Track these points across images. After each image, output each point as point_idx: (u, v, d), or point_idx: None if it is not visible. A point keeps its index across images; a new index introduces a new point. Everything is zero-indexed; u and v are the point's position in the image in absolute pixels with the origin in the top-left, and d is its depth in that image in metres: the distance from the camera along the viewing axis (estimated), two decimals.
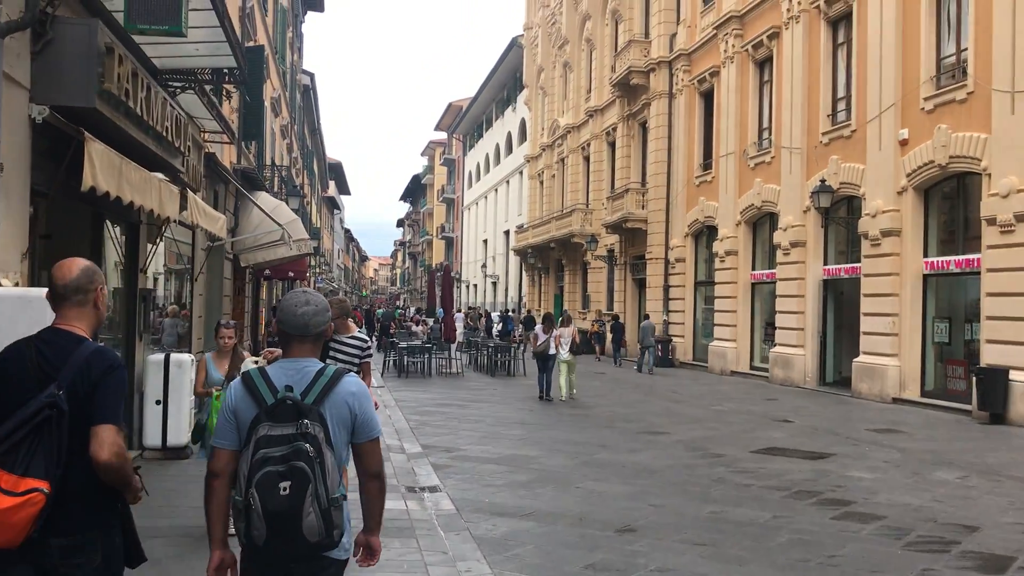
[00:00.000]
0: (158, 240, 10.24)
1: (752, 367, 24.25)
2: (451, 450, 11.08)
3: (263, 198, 18.69)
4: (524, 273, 48.45)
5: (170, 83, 9.99)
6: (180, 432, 9.78)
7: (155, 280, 13.03)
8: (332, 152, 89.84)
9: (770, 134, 23.62)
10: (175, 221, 9.24)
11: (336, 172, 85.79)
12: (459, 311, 45.81)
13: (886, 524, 7.59)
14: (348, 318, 7.22)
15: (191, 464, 9.62)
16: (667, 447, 11.66)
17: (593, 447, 11.50)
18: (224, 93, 12.41)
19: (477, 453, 10.89)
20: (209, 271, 15.99)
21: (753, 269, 24.53)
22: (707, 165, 27.11)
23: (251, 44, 19.42)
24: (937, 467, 10.63)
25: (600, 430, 13.19)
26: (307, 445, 2.79)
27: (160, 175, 9.95)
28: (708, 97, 27.37)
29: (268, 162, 24.93)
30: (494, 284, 58.60)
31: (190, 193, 9.72)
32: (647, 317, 28.26)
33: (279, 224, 15.62)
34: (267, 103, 24.48)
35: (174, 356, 9.96)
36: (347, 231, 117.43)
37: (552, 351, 17.38)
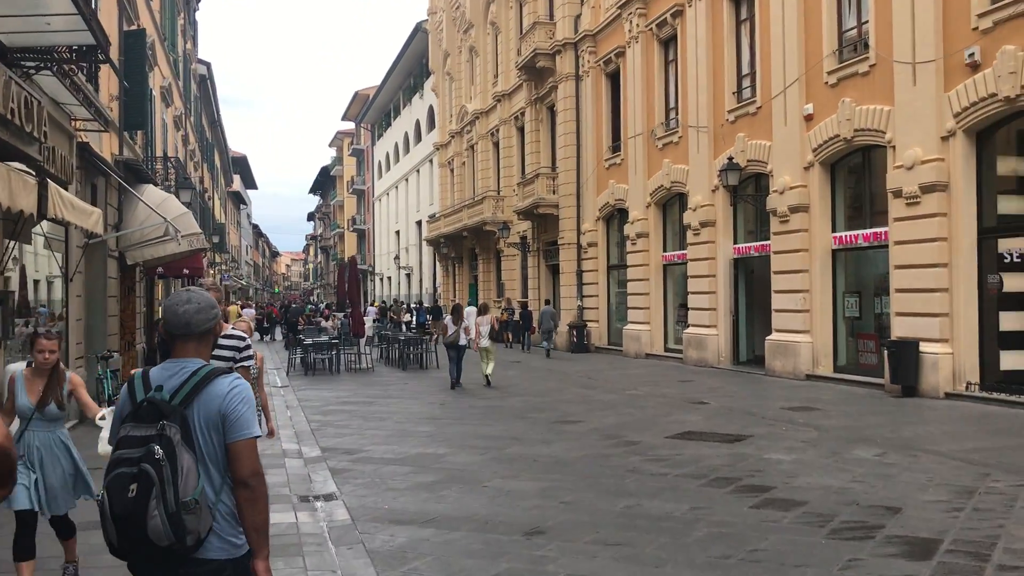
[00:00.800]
0: (11, 238, 9.22)
1: (667, 349, 24.10)
2: (353, 452, 10.39)
3: (149, 191, 17.56)
4: (437, 263, 47.69)
5: (22, 63, 8.99)
6: None
7: (35, 283, 11.97)
8: (236, 146, 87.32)
9: (677, 114, 23.42)
10: (33, 215, 8.28)
11: (241, 166, 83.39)
12: (372, 305, 44.91)
13: (808, 511, 7.23)
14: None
15: None
16: (580, 437, 11.19)
17: (504, 440, 10.95)
18: (86, 73, 11.34)
19: (381, 454, 10.22)
20: (90, 271, 14.91)
21: (664, 251, 24.36)
22: (616, 147, 26.83)
23: (132, 28, 18.21)
24: (854, 445, 10.40)
25: (512, 422, 12.66)
26: (157, 447, 2.71)
27: (17, 165, 9.01)
28: (615, 78, 27.07)
29: (160, 154, 23.63)
30: (408, 276, 57.64)
31: (52, 185, 8.77)
32: (547, 303, 29.17)
33: (164, 218, 14.59)
34: (156, 91, 23.19)
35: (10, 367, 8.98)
36: (255, 226, 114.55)
37: (462, 341, 17.72)
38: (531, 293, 32.48)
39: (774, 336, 18.84)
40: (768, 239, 19.26)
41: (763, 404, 14.40)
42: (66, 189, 11.71)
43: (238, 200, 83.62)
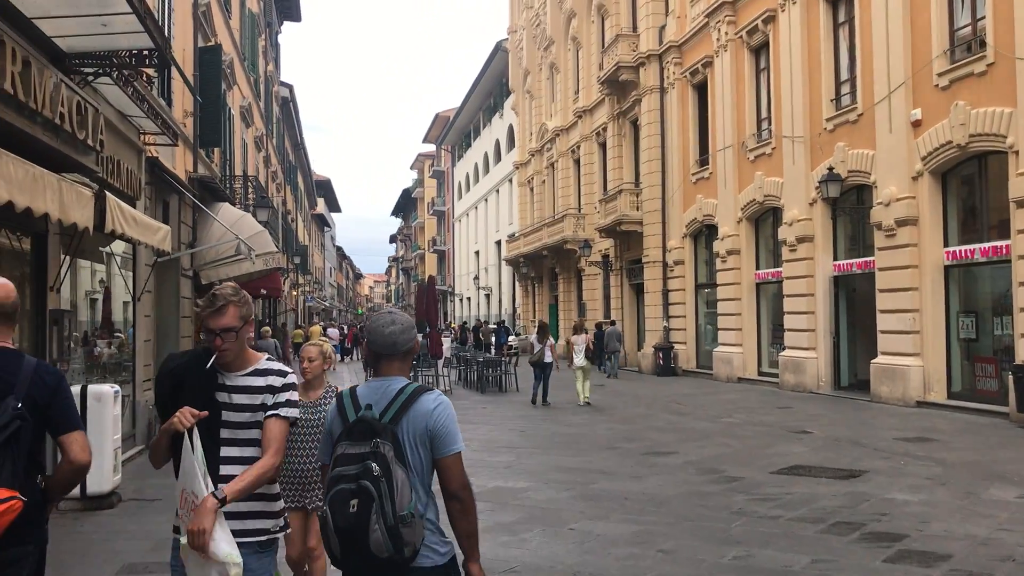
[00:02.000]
0: (66, 254, 8.72)
1: (760, 373, 22.76)
2: None
3: (225, 210, 17.22)
4: (517, 283, 46.97)
5: (80, 68, 8.51)
6: (103, 478, 8.27)
7: (91, 301, 11.57)
8: (320, 169, 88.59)
9: (770, 124, 22.20)
10: (89, 230, 7.73)
11: (325, 189, 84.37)
12: (451, 326, 44.37)
13: (955, 568, 6.10)
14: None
15: (116, 516, 8.15)
16: (675, 471, 10.16)
17: (590, 474, 9.99)
18: (158, 87, 10.90)
19: None
20: (160, 290, 14.53)
21: (757, 268, 23.07)
22: (704, 161, 25.69)
23: (208, 44, 17.98)
24: (989, 483, 9.13)
25: (598, 452, 11.68)
26: (374, 464, 2.85)
27: (74, 176, 8.52)
28: (702, 89, 25.98)
29: (239, 173, 23.48)
30: (487, 296, 57.11)
31: (111, 198, 8.22)
32: (612, 323, 28.46)
33: (236, 236, 14.13)
34: (235, 110, 23.07)
35: (92, 388, 8.42)
36: (339, 249, 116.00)
37: (547, 359, 18.26)
38: (613, 313, 31.42)
39: (880, 359, 17.44)
40: (872, 255, 17.91)
41: (873, 434, 13.11)
42: (134, 205, 11.31)
43: (322, 223, 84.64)
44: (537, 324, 20.35)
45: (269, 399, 3.29)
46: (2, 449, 2.87)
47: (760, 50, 22.81)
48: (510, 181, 49.48)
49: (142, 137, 12.23)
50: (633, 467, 10.42)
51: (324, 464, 3.12)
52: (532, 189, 43.82)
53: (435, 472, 3.08)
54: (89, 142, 7.90)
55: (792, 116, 20.54)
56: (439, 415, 3.05)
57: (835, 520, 7.58)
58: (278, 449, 3.25)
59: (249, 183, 22.91)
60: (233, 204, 19.46)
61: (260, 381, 3.32)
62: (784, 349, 21.10)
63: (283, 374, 3.36)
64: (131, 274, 12.20)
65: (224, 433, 3.25)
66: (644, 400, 19.18)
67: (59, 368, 3.36)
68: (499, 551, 6.79)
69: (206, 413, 3.14)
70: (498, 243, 52.74)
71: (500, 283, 53.10)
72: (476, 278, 58.69)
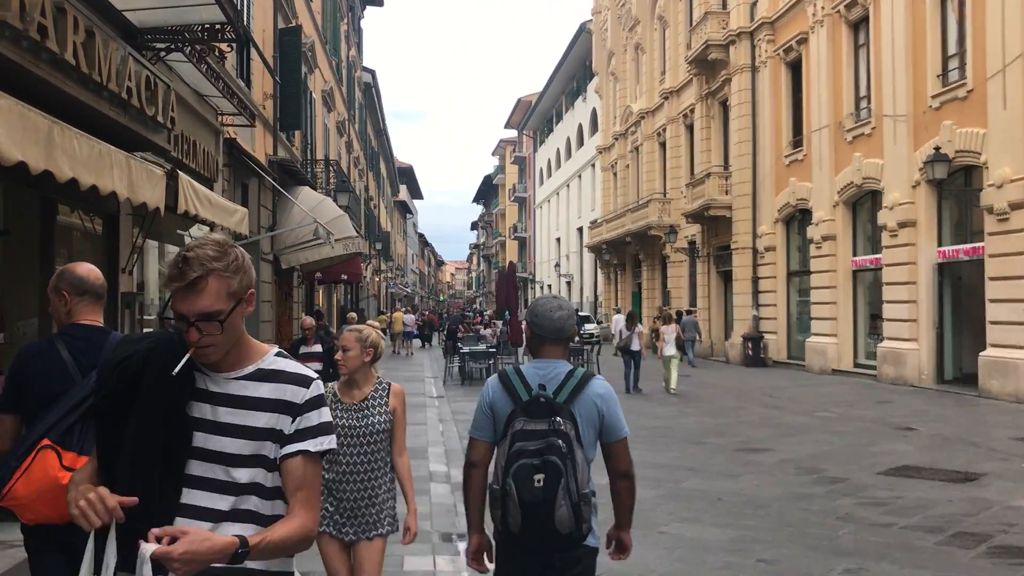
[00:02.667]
0: (138, 235, 8.49)
1: (856, 364, 21.66)
2: None
3: (304, 193, 17.06)
4: (599, 271, 46.23)
5: (151, 44, 8.25)
6: None
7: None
8: (403, 156, 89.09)
9: (869, 102, 21.00)
10: (160, 210, 7.45)
11: (407, 176, 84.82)
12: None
13: None
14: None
15: None
16: (772, 470, 9.46)
17: (681, 471, 9.36)
18: (235, 66, 10.61)
19: None
20: None
21: (854, 255, 21.93)
22: (797, 142, 24.57)
23: (289, 26, 17.79)
24: None
25: (687, 447, 11.03)
26: (560, 441, 2.94)
27: (146, 155, 8.28)
28: (796, 67, 24.83)
29: (320, 157, 23.40)
30: (568, 283, 56.48)
31: (184, 177, 7.96)
32: (689, 312, 27.80)
33: (314, 219, 13.88)
34: (316, 94, 22.96)
35: None
36: (421, 236, 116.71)
37: (635, 346, 18.41)
38: (700, 301, 30.50)
39: (990, 352, 16.28)
40: (981, 241, 16.73)
41: (986, 433, 12.12)
42: (211, 187, 11.11)
43: (404, 209, 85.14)
44: (627, 313, 20.94)
45: (286, 424, 2.14)
46: (84, 420, 3.00)
47: (859, 25, 21.60)
48: (593, 166, 48.71)
49: (220, 118, 12.03)
50: (726, 464, 9.75)
51: (477, 440, 3.21)
52: (615, 174, 42.99)
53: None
54: (159, 119, 7.61)
55: (894, 94, 19.36)
56: (609, 400, 3.17)
57: (956, 530, 6.83)
58: (312, 502, 2.16)
59: (330, 167, 22.78)
60: (314, 188, 19.32)
61: (268, 391, 2.16)
62: (883, 340, 19.99)
63: (305, 381, 2.19)
64: None
65: (195, 469, 2.11)
66: (734, 392, 18.38)
67: None
68: None
69: (135, 501, 1.97)
70: (580, 229, 52.04)
71: (582, 270, 52.43)
72: (557, 265, 58.11)
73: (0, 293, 7.09)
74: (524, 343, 3.49)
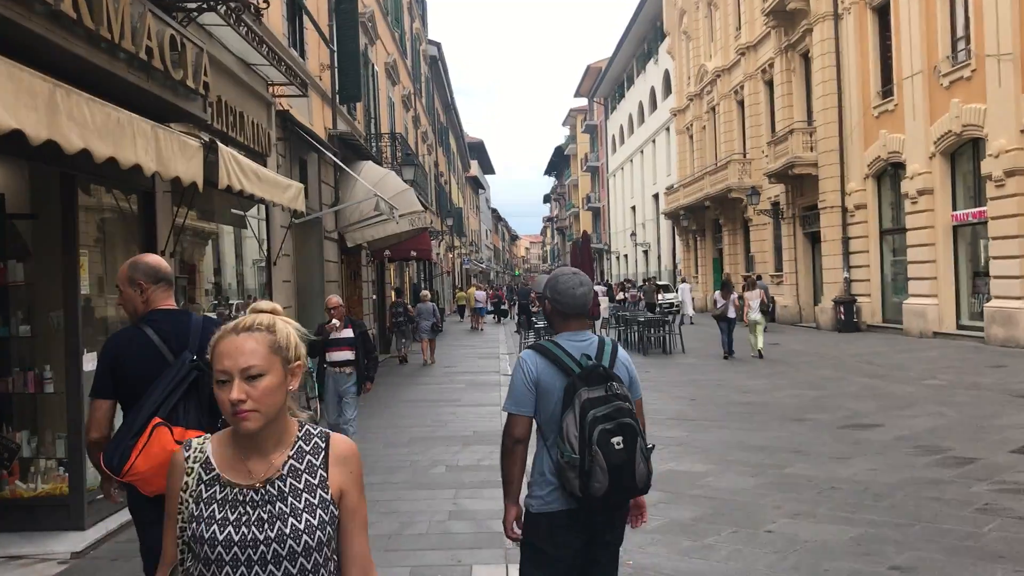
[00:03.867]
0: (176, 213, 7.84)
1: (960, 326, 20.14)
2: None
3: (368, 168, 16.39)
4: (677, 238, 44.80)
5: (184, 3, 7.55)
6: None
7: (220, 268, 10.86)
8: (472, 131, 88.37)
9: (968, 43, 19.34)
10: (198, 185, 6.77)
11: (478, 151, 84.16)
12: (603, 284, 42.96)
13: None
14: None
15: None
16: (886, 449, 8.41)
17: (782, 454, 8.39)
18: (288, 36, 9.86)
19: None
20: (302, 253, 13.82)
21: (954, 209, 20.35)
22: (887, 92, 22.94)
23: None
24: None
25: (786, 425, 10.02)
26: (626, 404, 3.13)
27: (182, 126, 7.64)
28: (883, 12, 23.15)
29: (386, 131, 22.73)
30: (645, 252, 55.14)
31: (224, 150, 7.27)
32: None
33: (374, 192, 13.17)
34: (379, 67, 22.30)
35: None
36: (494, 211, 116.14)
37: (731, 313, 18.49)
38: (786, 265, 29.05)
39: (994, 303, 14.81)
40: None
41: None
42: (264, 163, 10.47)
43: (476, 185, 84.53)
44: (722, 280, 21.78)
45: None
46: (186, 397, 3.28)
47: None
48: (667, 130, 47.17)
49: (271, 89, 11.38)
50: (832, 444, 8.73)
51: (521, 415, 3.22)
52: (691, 136, 41.46)
53: None
54: (189, 83, 6.92)
55: (997, 31, 17.70)
56: (631, 365, 3.37)
57: None
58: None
59: (396, 141, 22.11)
60: (379, 164, 18.66)
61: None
62: (990, 299, 18.48)
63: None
64: (266, 238, 11.42)
65: None
66: (828, 359, 17.18)
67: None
68: (678, 562, 5.41)
69: None
70: (655, 196, 50.64)
71: (659, 238, 51.05)
72: (633, 234, 56.77)
73: (28, 283, 6.53)
74: (548, 317, 3.43)
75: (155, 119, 6.16)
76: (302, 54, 13.69)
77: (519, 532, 3.31)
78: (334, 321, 8.63)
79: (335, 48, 15.16)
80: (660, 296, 31.40)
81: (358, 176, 14.48)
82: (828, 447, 8.58)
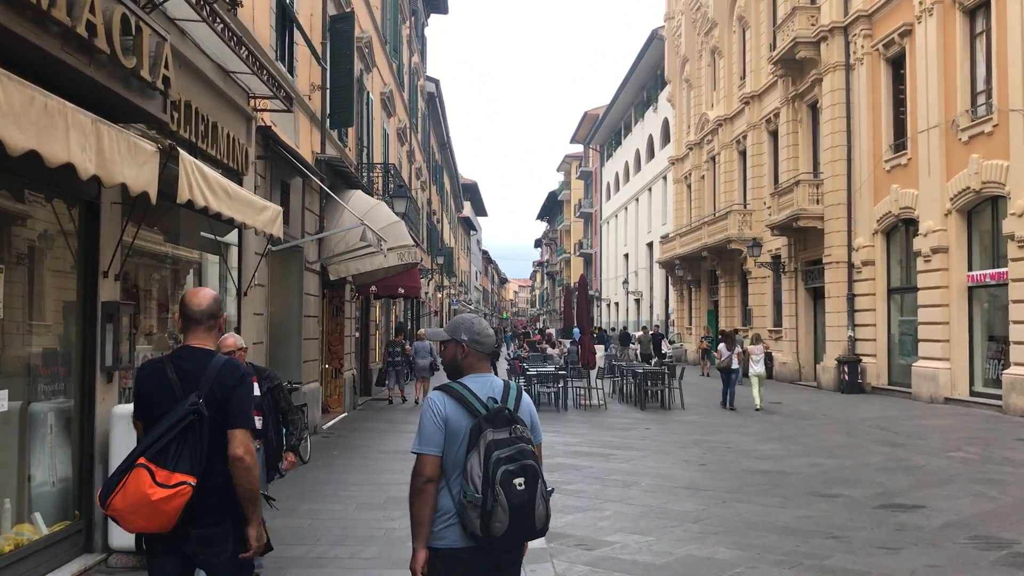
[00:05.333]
0: (124, 227, 6.71)
1: (973, 393, 19.10)
2: (590, 544, 7.11)
3: (356, 197, 15.34)
4: (671, 288, 43.87)
5: None
6: None
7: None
8: (467, 172, 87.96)
9: (989, 97, 18.58)
10: (151, 197, 5.67)
11: (472, 193, 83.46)
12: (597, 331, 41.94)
13: None
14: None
15: None
16: (939, 539, 7.26)
17: (818, 539, 7.23)
18: (276, 49, 8.84)
19: (632, 553, 6.85)
20: (279, 284, 12.69)
21: (970, 269, 19.42)
22: (900, 145, 22.15)
23: (341, 13, 16.16)
24: None
25: (814, 502, 8.86)
26: (528, 446, 3.20)
27: (140, 128, 6.59)
28: (897, 63, 22.46)
29: (379, 161, 21.72)
30: (637, 301, 54.17)
31: (187, 158, 6.20)
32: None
33: (360, 220, 12.08)
34: (375, 95, 21.38)
35: (120, 408, 6.40)
36: (485, 253, 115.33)
37: (735, 366, 19.10)
38: (786, 320, 28.05)
39: (1013, 370, 13.82)
40: None
41: None
42: (239, 181, 9.40)
43: (468, 226, 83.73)
44: (725, 333, 22.64)
45: None
46: (180, 439, 3.31)
47: (976, 11, 19.20)
48: (664, 178, 46.49)
49: (251, 102, 10.35)
50: (874, 530, 7.58)
51: (431, 455, 3.24)
52: (689, 186, 40.73)
53: None
54: (145, 75, 5.86)
55: (1023, 85, 16.94)
56: (533, 408, 3.47)
57: None
58: None
59: (389, 173, 21.09)
60: (370, 194, 17.61)
61: None
62: (1008, 366, 17.48)
63: None
64: (236, 266, 10.29)
65: None
66: (840, 423, 16.06)
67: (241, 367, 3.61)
68: None
69: None
70: (650, 245, 49.81)
71: (651, 287, 50.13)
72: (625, 282, 55.86)
73: None
74: (450, 360, 3.47)
75: (105, 117, 5.11)
76: (291, 70, 12.70)
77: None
78: None
79: (327, 67, 14.18)
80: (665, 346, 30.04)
81: (345, 204, 13.40)
82: (869, 533, 7.43)
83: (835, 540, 7.15)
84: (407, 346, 20.55)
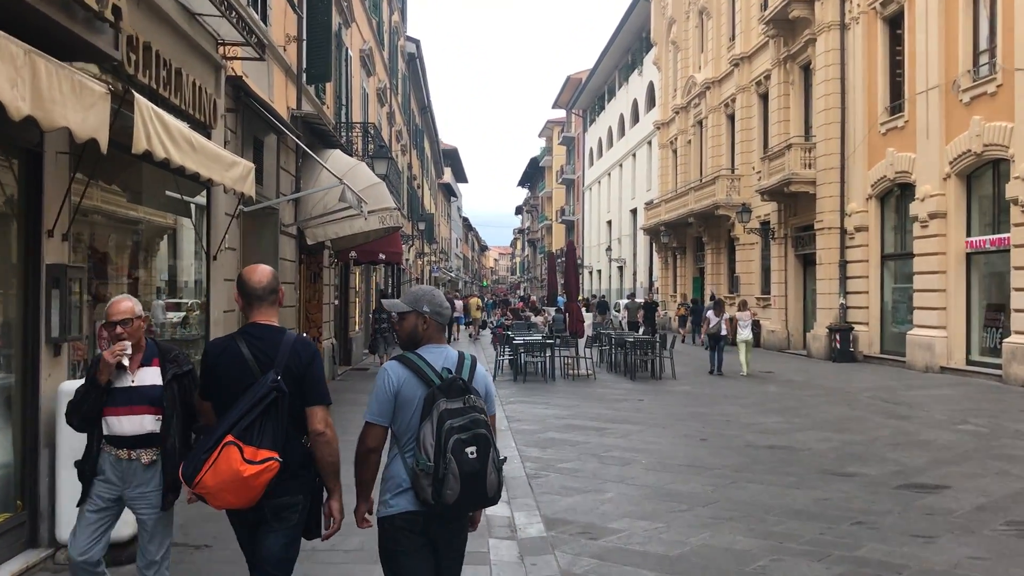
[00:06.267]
0: (72, 180, 5.93)
1: (970, 362, 18.65)
2: (594, 532, 6.47)
3: (334, 156, 14.51)
4: (655, 255, 43.26)
5: None
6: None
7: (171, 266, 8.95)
8: (447, 138, 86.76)
9: (992, 56, 17.93)
10: (101, 145, 4.90)
11: (452, 159, 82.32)
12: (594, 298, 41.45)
13: None
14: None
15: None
16: (975, 524, 6.66)
17: (842, 524, 6.62)
18: None
19: (640, 542, 6.21)
20: (253, 249, 11.92)
21: (968, 235, 18.89)
22: (896, 107, 21.49)
23: None
24: None
25: (830, 481, 8.24)
26: (481, 415, 3.24)
27: (90, 68, 5.83)
28: (895, 22, 21.76)
29: (358, 120, 20.82)
30: (620, 268, 53.60)
31: (143, 103, 5.42)
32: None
33: (340, 180, 11.28)
34: (354, 52, 20.45)
35: (67, 385, 5.62)
36: (465, 220, 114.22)
37: (723, 332, 19.57)
38: (775, 288, 27.52)
39: (1014, 339, 13.36)
40: None
41: None
42: (207, 135, 8.61)
43: (449, 192, 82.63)
44: (714, 300, 23.05)
45: None
46: (263, 416, 3.38)
47: None
48: (649, 143, 45.71)
49: (221, 50, 9.50)
50: (901, 514, 6.97)
51: (378, 425, 3.32)
52: (675, 151, 40.01)
53: None
54: (90, 2, 5.06)
55: None
56: (489, 379, 3.52)
57: None
58: None
59: (369, 133, 20.21)
60: (349, 155, 16.77)
61: None
62: (1008, 334, 17.01)
63: None
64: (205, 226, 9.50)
65: None
66: (838, 393, 15.54)
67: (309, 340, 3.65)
68: None
69: None
70: (633, 211, 49.13)
71: (635, 254, 49.53)
72: (608, 249, 55.23)
73: None
74: (410, 332, 3.48)
75: (50, 54, 4.34)
76: (264, 18, 11.82)
77: (370, 521, 3.43)
78: (117, 350, 4.13)
79: (304, 15, 13.30)
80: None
81: (324, 163, 12.58)
82: (897, 518, 6.83)
83: (861, 526, 6.55)
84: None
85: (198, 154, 6.52)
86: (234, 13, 8.30)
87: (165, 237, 9.38)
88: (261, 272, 3.69)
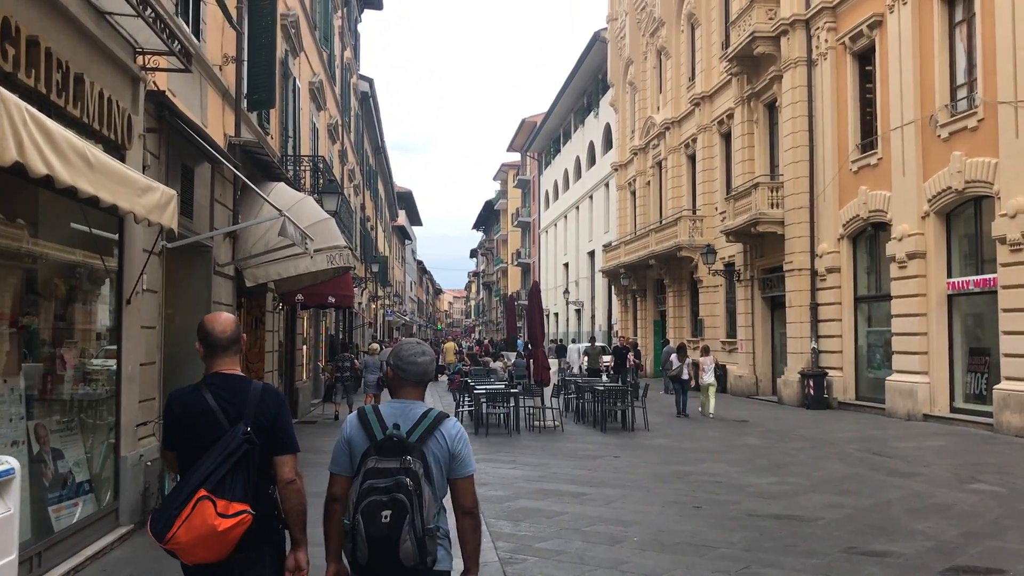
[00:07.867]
0: None
1: (954, 409, 17.72)
2: None
3: (279, 190, 13.17)
4: (615, 297, 42.27)
5: None
6: None
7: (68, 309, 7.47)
8: (401, 181, 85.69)
9: (971, 90, 17.27)
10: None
11: (406, 201, 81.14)
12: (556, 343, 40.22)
13: None
14: None
15: None
16: None
17: None
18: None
19: None
20: (181, 291, 10.48)
21: (950, 276, 18.09)
22: (868, 145, 20.80)
23: None
24: None
25: (863, 566, 6.92)
26: (408, 480, 3.02)
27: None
28: (865, 58, 21.17)
29: (307, 153, 19.46)
30: (578, 311, 52.58)
31: (12, 100, 4.12)
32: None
33: (285, 215, 9.91)
34: (302, 84, 19.21)
35: None
36: (420, 263, 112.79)
37: (685, 376, 20.25)
38: (741, 331, 26.56)
39: (1004, 385, 12.67)
40: None
41: None
42: (120, 158, 7.27)
43: (403, 235, 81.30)
44: (677, 344, 23.26)
45: None
46: (234, 468, 3.27)
47: None
48: (606, 185, 45.00)
49: (140, 60, 8.17)
50: None
51: (336, 475, 3.26)
52: (634, 192, 39.28)
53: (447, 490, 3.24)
54: None
55: (1015, 75, 15.61)
56: (461, 440, 3.27)
57: None
58: None
59: (318, 167, 18.87)
60: (296, 190, 15.41)
61: None
62: (994, 380, 16.11)
63: None
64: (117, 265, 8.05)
65: None
66: (823, 446, 14.42)
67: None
68: None
69: None
70: (591, 254, 48.28)
71: (593, 297, 48.59)
72: (566, 292, 54.21)
73: None
74: (388, 384, 3.40)
75: None
76: (197, 33, 10.52)
77: None
78: None
79: (244, 32, 12.03)
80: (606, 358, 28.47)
81: (264, 196, 11.21)
82: None
83: None
84: (356, 361, 20.22)
85: (96, 173, 5.26)
86: (150, 11, 6.98)
87: (74, 277, 7.91)
88: (224, 321, 3.57)
